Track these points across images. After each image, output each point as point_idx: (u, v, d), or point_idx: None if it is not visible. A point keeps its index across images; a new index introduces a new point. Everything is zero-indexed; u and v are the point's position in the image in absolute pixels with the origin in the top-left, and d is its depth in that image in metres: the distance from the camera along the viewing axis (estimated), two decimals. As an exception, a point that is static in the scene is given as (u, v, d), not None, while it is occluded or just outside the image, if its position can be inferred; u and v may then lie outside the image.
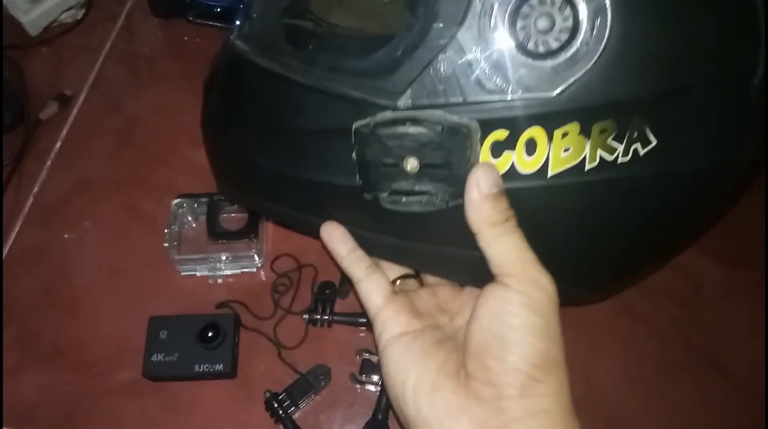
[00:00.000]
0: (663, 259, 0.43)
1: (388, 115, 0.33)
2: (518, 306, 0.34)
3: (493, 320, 0.35)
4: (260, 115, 0.39)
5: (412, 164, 0.34)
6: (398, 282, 0.44)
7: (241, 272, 0.61)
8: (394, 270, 0.44)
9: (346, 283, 0.59)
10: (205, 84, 0.46)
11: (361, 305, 0.42)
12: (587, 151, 0.32)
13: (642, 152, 0.32)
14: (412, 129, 0.33)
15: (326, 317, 0.58)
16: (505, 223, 0.34)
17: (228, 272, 0.61)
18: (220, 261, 0.60)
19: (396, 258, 0.42)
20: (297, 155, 0.38)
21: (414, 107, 0.33)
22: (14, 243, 0.64)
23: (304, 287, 0.61)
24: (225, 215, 0.62)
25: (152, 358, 0.54)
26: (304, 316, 0.58)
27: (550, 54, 0.30)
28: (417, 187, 0.35)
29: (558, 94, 0.31)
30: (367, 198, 0.36)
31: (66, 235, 0.64)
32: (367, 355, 0.56)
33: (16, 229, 0.65)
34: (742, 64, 0.33)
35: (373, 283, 0.41)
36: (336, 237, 0.41)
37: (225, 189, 0.49)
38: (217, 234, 0.60)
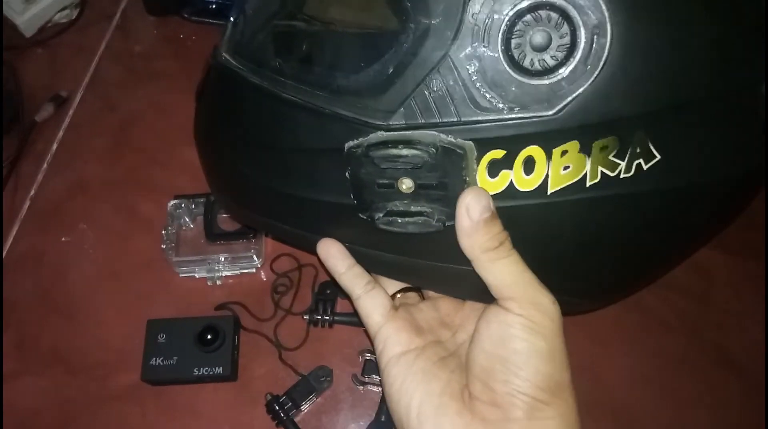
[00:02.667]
0: (667, 267, 0.42)
1: (380, 135, 0.32)
2: (521, 330, 0.33)
3: (496, 344, 0.34)
4: (250, 131, 0.38)
5: (406, 185, 0.33)
6: (398, 295, 0.44)
7: (241, 273, 0.60)
8: (394, 283, 0.43)
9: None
10: (197, 91, 0.45)
11: (360, 319, 0.41)
12: (588, 168, 0.31)
13: (645, 167, 0.31)
14: (405, 151, 0.31)
15: (327, 318, 0.57)
16: (500, 246, 0.33)
17: (227, 273, 0.60)
18: (218, 262, 0.59)
19: (394, 274, 0.41)
20: (288, 173, 0.37)
21: (407, 127, 0.31)
22: (11, 246, 0.63)
23: (305, 287, 0.60)
24: (223, 216, 0.61)
25: (151, 362, 0.53)
26: (304, 317, 0.57)
27: (547, 72, 0.29)
28: (412, 208, 0.34)
29: (556, 113, 0.29)
30: (363, 218, 0.35)
31: (63, 239, 0.63)
32: (369, 356, 0.55)
33: (14, 232, 0.64)
34: (747, 74, 0.32)
35: (372, 299, 0.40)
36: (333, 253, 0.40)
37: (219, 198, 0.48)
38: (215, 235, 0.59)
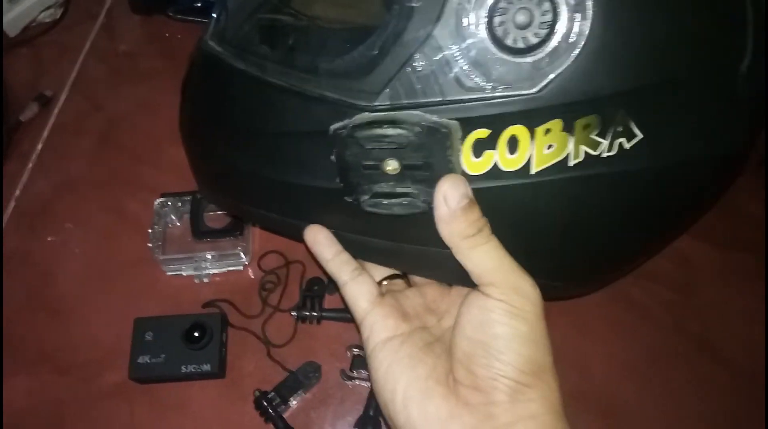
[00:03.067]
0: (651, 250, 0.42)
1: (365, 116, 0.32)
2: (501, 315, 0.33)
3: (477, 329, 0.34)
4: (236, 118, 0.38)
5: (392, 166, 0.33)
6: (385, 283, 0.44)
7: (228, 271, 0.60)
8: (381, 270, 0.44)
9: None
10: (183, 83, 0.45)
11: (348, 311, 0.41)
12: (571, 147, 0.31)
13: (627, 146, 0.31)
14: (390, 131, 0.32)
15: (315, 314, 0.57)
16: (479, 233, 0.33)
17: (214, 271, 0.60)
18: (205, 260, 0.59)
19: (381, 260, 0.42)
20: (275, 158, 0.37)
21: (392, 107, 0.32)
22: (-3, 247, 0.63)
23: (292, 284, 0.60)
24: (209, 214, 0.61)
25: (138, 360, 0.53)
26: (292, 313, 0.57)
27: (530, 50, 0.29)
28: (398, 189, 0.34)
29: (539, 91, 0.30)
30: (349, 201, 0.35)
31: (49, 238, 0.63)
32: (357, 351, 0.55)
33: (-1, 233, 0.64)
34: (728, 53, 0.32)
35: (359, 286, 0.40)
36: (320, 240, 0.40)
37: (206, 191, 0.48)
38: (201, 233, 0.59)
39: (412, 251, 0.37)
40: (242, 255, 0.59)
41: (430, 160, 0.32)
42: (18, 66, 0.76)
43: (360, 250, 0.41)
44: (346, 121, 0.33)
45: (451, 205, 0.32)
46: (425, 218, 0.34)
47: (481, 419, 0.33)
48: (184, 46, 0.75)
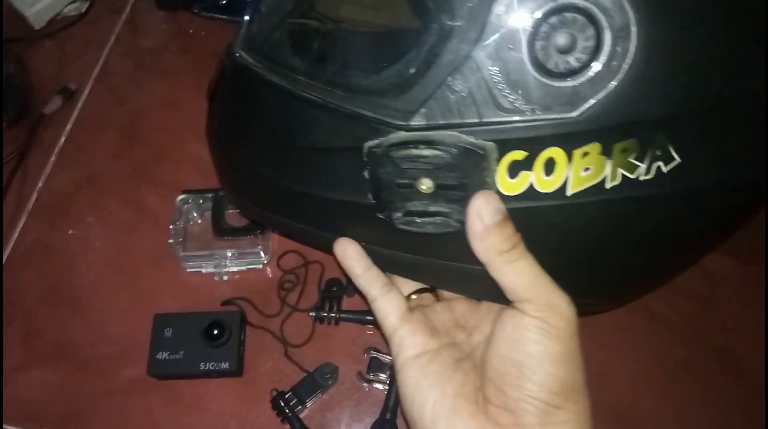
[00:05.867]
0: (682, 268, 0.42)
1: (400, 135, 0.32)
2: (535, 332, 0.33)
3: (510, 347, 0.34)
4: (267, 130, 0.38)
5: (426, 185, 0.33)
6: (414, 296, 0.43)
7: (247, 269, 0.60)
8: (409, 284, 0.43)
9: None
10: (209, 89, 0.44)
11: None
12: (608, 170, 0.31)
13: (665, 170, 0.31)
14: (426, 151, 0.31)
15: (333, 315, 0.57)
16: (514, 249, 0.33)
17: (234, 269, 0.60)
18: (225, 258, 0.59)
19: (410, 274, 0.41)
20: (306, 172, 0.37)
21: (427, 127, 0.31)
22: (18, 239, 0.63)
23: (311, 284, 0.60)
24: (230, 211, 0.61)
25: (157, 357, 0.53)
26: (311, 314, 0.57)
27: (571, 74, 0.29)
28: (431, 208, 0.34)
29: (578, 115, 0.29)
30: (380, 217, 0.35)
31: (70, 232, 0.63)
32: (374, 354, 0.55)
33: (20, 224, 0.64)
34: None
35: (389, 301, 0.40)
36: (350, 254, 0.40)
37: (232, 197, 0.48)
38: (222, 230, 0.59)
39: (442, 267, 0.37)
40: (262, 254, 0.59)
41: (465, 180, 0.32)
42: (43, 58, 0.76)
43: (389, 264, 0.40)
44: (380, 140, 0.32)
45: (485, 220, 0.32)
46: (457, 235, 0.34)
47: None
48: (208, 44, 0.76)
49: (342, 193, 0.36)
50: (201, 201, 0.61)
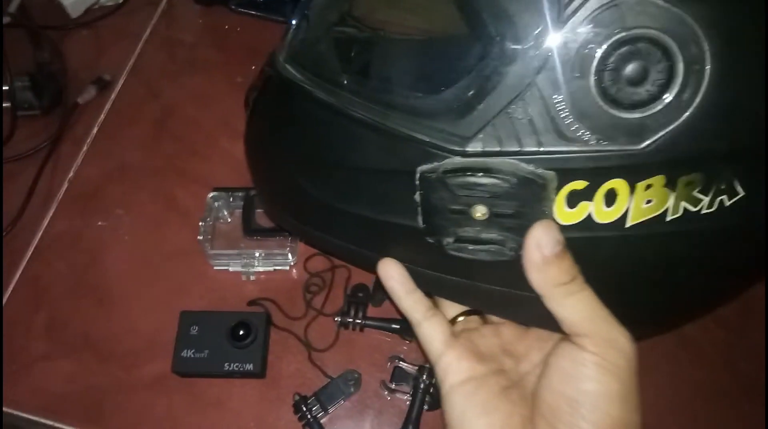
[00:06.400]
0: (731, 299, 0.41)
1: (456, 161, 0.31)
2: (594, 369, 0.31)
3: (565, 382, 0.33)
4: (313, 147, 0.37)
5: (480, 212, 0.32)
6: (460, 319, 0.42)
7: (274, 270, 0.60)
8: (455, 306, 0.42)
9: (380, 291, 0.57)
10: (248, 96, 0.43)
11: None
12: (671, 203, 0.30)
13: (727, 204, 0.30)
14: (483, 179, 0.30)
15: (358, 321, 0.56)
16: (573, 281, 0.32)
17: (260, 269, 0.60)
18: (253, 257, 0.59)
19: (456, 297, 0.40)
20: (352, 191, 0.36)
21: (484, 154, 0.30)
22: (48, 227, 0.64)
23: (337, 288, 0.59)
24: (260, 211, 0.61)
25: (182, 354, 0.53)
26: (336, 319, 0.57)
27: (640, 105, 0.28)
28: (484, 235, 0.32)
29: (644, 147, 0.28)
30: (430, 241, 0.34)
31: (100, 223, 0.63)
32: (398, 363, 0.55)
33: (50, 213, 0.64)
34: None
35: (433, 326, 0.39)
36: (394, 276, 0.38)
37: (269, 208, 0.47)
38: (252, 230, 0.59)
39: (491, 291, 0.36)
40: (290, 255, 0.59)
41: (522, 209, 0.31)
42: (78, 48, 0.77)
43: (434, 286, 0.39)
44: (435, 165, 0.31)
45: (544, 252, 0.31)
46: (509, 262, 0.33)
47: None
48: (242, 40, 0.76)
49: (389, 215, 0.35)
50: (231, 199, 0.61)
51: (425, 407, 0.52)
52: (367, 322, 0.57)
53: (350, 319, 0.56)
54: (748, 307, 0.58)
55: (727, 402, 0.54)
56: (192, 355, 0.53)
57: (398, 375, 0.54)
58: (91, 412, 0.54)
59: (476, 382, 0.37)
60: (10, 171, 0.67)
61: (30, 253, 0.62)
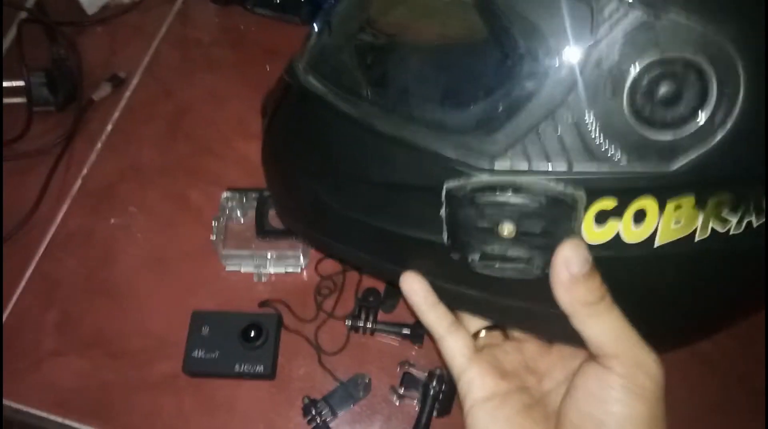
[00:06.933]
0: (752, 314, 0.41)
1: (484, 179, 0.30)
2: (620, 391, 0.31)
3: (591, 403, 0.32)
4: (336, 161, 0.36)
5: (508, 230, 0.31)
6: (482, 333, 0.42)
7: (286, 272, 0.60)
8: (477, 320, 0.42)
9: (393, 297, 0.57)
10: (265, 104, 0.43)
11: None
12: (700, 223, 0.29)
13: (755, 224, 0.30)
14: (512, 199, 0.30)
15: (369, 325, 0.56)
16: (601, 301, 0.31)
17: (272, 271, 0.60)
18: (265, 258, 0.59)
19: (480, 312, 0.39)
20: (375, 205, 0.35)
21: (512, 171, 0.30)
22: (61, 224, 0.64)
23: (348, 292, 0.59)
24: (274, 212, 0.61)
25: (193, 354, 0.53)
26: (346, 322, 0.57)
27: (673, 126, 0.28)
28: (511, 253, 0.32)
29: (677, 168, 0.28)
30: (455, 258, 0.33)
31: (112, 220, 0.64)
32: (408, 368, 0.55)
33: (63, 210, 0.64)
34: None
35: (456, 341, 0.39)
36: (417, 290, 0.38)
37: (286, 220, 0.46)
38: (264, 231, 0.59)
39: (515, 307, 0.35)
40: (301, 257, 0.59)
41: (549, 228, 0.30)
42: (94, 44, 0.77)
43: (457, 301, 0.38)
44: (462, 182, 0.31)
45: (572, 270, 0.30)
46: (535, 279, 0.32)
47: None
48: (258, 41, 0.76)
49: (413, 230, 0.34)
50: (245, 200, 0.61)
51: (434, 414, 0.52)
52: (378, 326, 0.56)
53: (361, 324, 0.56)
54: (760, 321, 0.57)
55: (740, 417, 0.53)
56: (203, 356, 0.53)
57: (408, 380, 0.54)
58: (101, 409, 0.54)
59: (499, 399, 0.37)
60: (24, 167, 0.67)
61: (42, 249, 0.62)
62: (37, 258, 0.62)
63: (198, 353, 0.53)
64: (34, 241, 0.62)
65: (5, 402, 0.54)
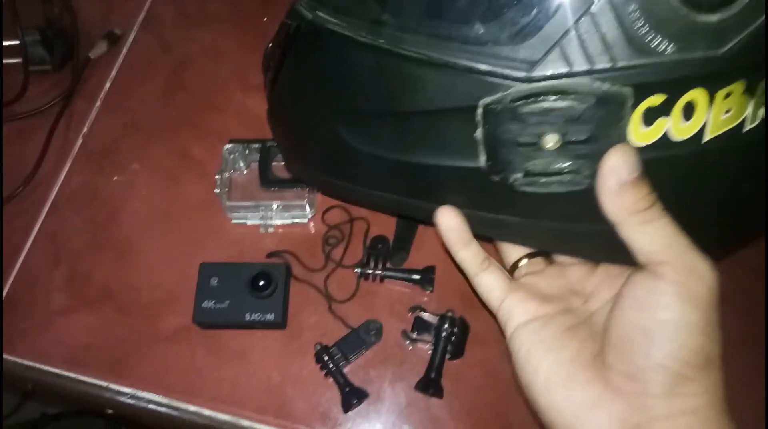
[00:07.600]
0: None
1: (524, 88, 0.29)
2: (672, 298, 0.30)
3: (639, 312, 0.31)
4: (360, 96, 0.35)
5: (552, 141, 0.30)
6: (524, 261, 0.41)
7: (292, 223, 0.59)
8: (518, 249, 0.41)
9: (402, 251, 0.57)
10: (267, 56, 0.41)
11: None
12: (749, 111, 0.28)
13: None
14: (559, 103, 0.28)
15: (378, 272, 0.56)
16: (652, 207, 0.30)
17: (278, 222, 0.59)
18: (271, 209, 0.58)
19: (521, 239, 0.38)
20: (405, 139, 0.34)
21: (552, 76, 0.28)
22: (64, 183, 0.63)
23: (356, 240, 0.59)
24: (277, 163, 0.60)
25: (203, 305, 0.52)
26: (356, 270, 0.56)
27: (719, 6, 0.26)
28: (555, 166, 0.30)
29: (725, 52, 0.27)
30: (495, 180, 0.32)
31: (115, 178, 0.63)
32: (419, 313, 0.54)
33: (66, 169, 0.64)
34: None
35: (491, 276, 0.38)
36: (454, 226, 0.36)
37: (302, 172, 0.44)
38: (269, 182, 0.58)
39: (558, 228, 0.34)
40: (307, 207, 0.58)
41: (596, 133, 0.29)
42: (88, 2, 0.75)
43: (497, 230, 0.37)
44: (500, 95, 0.29)
45: (622, 177, 0.29)
46: (578, 194, 0.31)
47: (633, 409, 0.31)
48: (254, -8, 0.74)
49: (446, 159, 0.33)
50: (247, 151, 0.60)
51: (447, 356, 0.52)
52: (387, 273, 0.56)
53: (370, 271, 0.56)
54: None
55: (761, 351, 0.53)
56: (213, 306, 0.52)
57: (419, 324, 0.54)
58: (114, 363, 0.54)
59: (542, 321, 0.36)
60: (24, 127, 0.66)
61: (47, 208, 0.62)
62: (42, 217, 0.61)
63: (208, 304, 0.52)
64: (39, 200, 0.62)
65: (18, 360, 0.54)
